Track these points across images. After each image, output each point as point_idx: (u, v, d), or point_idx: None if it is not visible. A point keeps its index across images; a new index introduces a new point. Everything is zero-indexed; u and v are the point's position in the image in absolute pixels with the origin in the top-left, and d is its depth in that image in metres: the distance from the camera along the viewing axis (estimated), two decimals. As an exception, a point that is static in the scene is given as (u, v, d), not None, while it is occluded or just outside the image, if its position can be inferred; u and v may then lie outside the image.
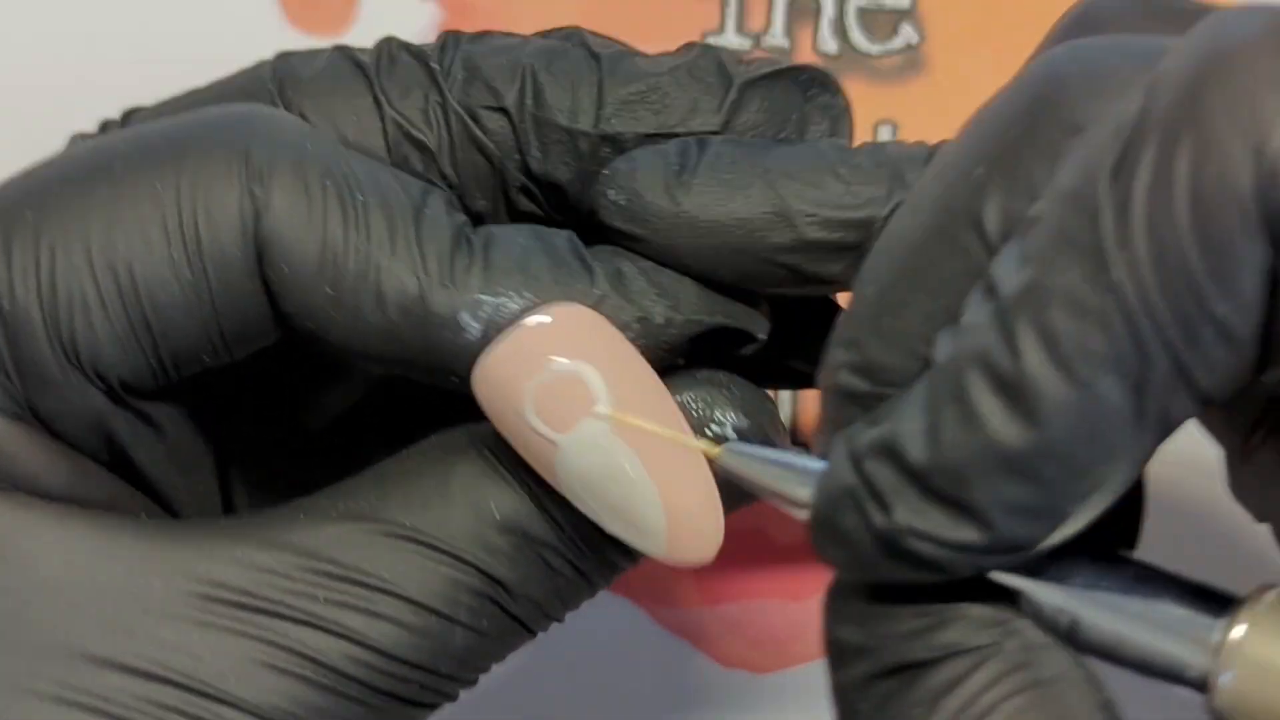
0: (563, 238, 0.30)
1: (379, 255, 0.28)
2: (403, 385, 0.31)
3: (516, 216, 0.32)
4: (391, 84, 0.31)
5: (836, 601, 0.26)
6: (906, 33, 0.44)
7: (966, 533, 0.24)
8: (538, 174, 0.31)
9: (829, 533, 0.25)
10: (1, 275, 0.29)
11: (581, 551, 0.30)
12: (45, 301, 0.28)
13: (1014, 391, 0.23)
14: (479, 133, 0.31)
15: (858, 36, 0.44)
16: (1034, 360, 0.23)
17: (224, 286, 0.29)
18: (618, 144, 0.30)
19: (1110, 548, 0.26)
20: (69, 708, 0.27)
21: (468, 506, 0.29)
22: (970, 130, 0.26)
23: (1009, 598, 0.25)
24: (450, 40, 0.32)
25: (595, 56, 0.31)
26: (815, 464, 0.26)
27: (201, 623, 0.28)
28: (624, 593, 0.43)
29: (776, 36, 0.44)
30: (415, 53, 0.32)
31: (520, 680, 0.43)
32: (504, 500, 0.29)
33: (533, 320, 0.28)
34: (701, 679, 0.43)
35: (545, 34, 0.32)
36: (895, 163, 0.30)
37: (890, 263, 0.25)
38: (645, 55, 0.31)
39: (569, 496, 0.29)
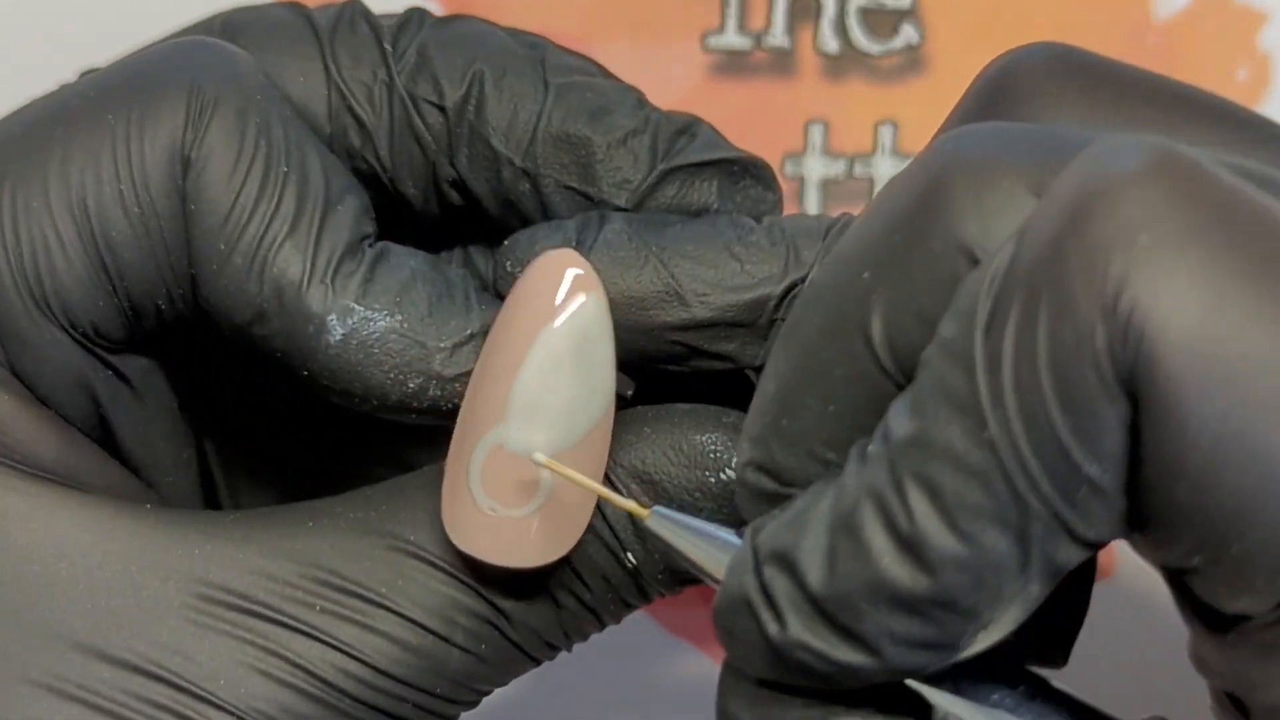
0: (460, 274, 0.30)
1: (278, 230, 0.28)
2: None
3: (445, 208, 0.32)
4: (343, 52, 0.31)
5: (730, 677, 0.26)
6: (907, 32, 0.44)
7: (857, 656, 0.24)
8: (457, 180, 0.31)
9: (726, 629, 0.25)
10: None
11: (586, 585, 0.29)
12: (10, 250, 0.28)
13: (904, 537, 0.23)
14: (419, 122, 0.31)
15: (858, 36, 0.44)
16: (921, 511, 0.23)
17: (170, 221, 0.29)
18: (536, 183, 0.30)
19: (1023, 662, 0.26)
20: (58, 697, 0.27)
21: None
22: (864, 222, 0.25)
23: (902, 695, 0.25)
24: (414, 18, 0.32)
25: (546, 84, 0.31)
26: (735, 541, 0.26)
27: (196, 622, 0.28)
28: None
29: (777, 36, 0.44)
30: (374, 25, 0.31)
31: (520, 680, 0.42)
32: None
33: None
34: (701, 679, 0.43)
35: (515, 33, 0.32)
36: (792, 239, 0.30)
37: (788, 360, 0.26)
38: (600, 87, 0.31)
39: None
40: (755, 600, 0.25)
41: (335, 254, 0.29)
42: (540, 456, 0.28)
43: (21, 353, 0.29)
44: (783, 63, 0.44)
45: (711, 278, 0.29)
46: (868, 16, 0.44)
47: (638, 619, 0.43)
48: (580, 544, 0.29)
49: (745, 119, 0.44)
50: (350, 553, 0.29)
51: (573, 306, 0.28)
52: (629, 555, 0.29)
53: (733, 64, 0.44)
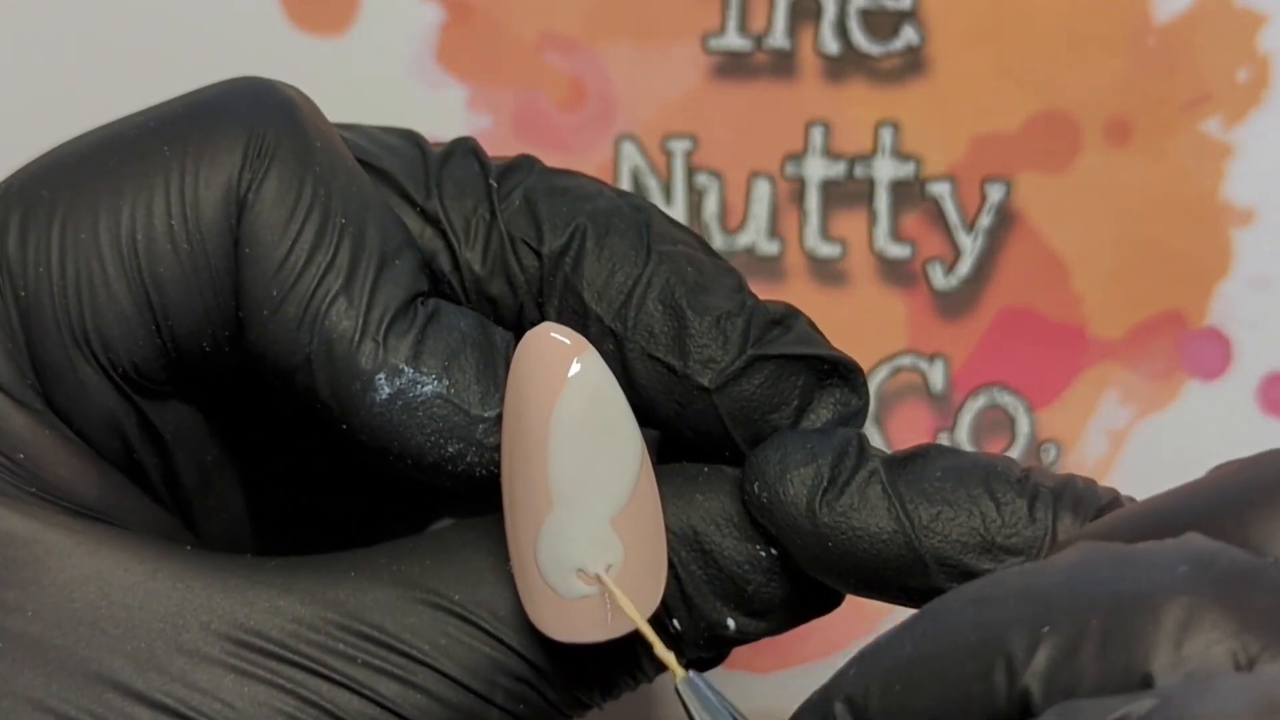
0: (505, 339, 0.29)
1: (331, 283, 0.28)
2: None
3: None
4: (449, 181, 0.31)
5: None
6: (908, 34, 0.44)
7: None
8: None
9: None
10: (17, 260, 0.28)
11: (629, 650, 0.29)
12: (55, 283, 0.28)
13: None
14: (514, 262, 0.30)
15: (859, 37, 0.44)
16: None
17: (215, 260, 0.28)
18: (620, 346, 0.29)
19: None
20: None
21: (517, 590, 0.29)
22: (1075, 568, 0.24)
23: None
24: (524, 164, 0.31)
25: (649, 250, 0.30)
26: None
27: (236, 669, 0.28)
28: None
29: (778, 37, 0.44)
30: (483, 162, 0.31)
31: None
32: None
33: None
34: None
35: (623, 193, 0.31)
36: (1057, 513, 0.28)
37: (930, 638, 0.24)
38: (701, 263, 0.30)
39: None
40: None
41: (388, 312, 0.28)
42: (600, 575, 0.28)
43: (57, 389, 0.28)
44: (783, 64, 0.44)
45: (958, 551, 0.28)
46: (868, 18, 0.44)
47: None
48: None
49: (746, 120, 0.44)
50: (393, 608, 0.28)
51: (574, 372, 0.28)
52: (674, 622, 0.29)
53: (733, 65, 0.44)
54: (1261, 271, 0.44)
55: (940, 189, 0.44)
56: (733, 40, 0.44)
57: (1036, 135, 0.44)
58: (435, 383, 0.28)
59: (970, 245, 0.44)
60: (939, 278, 0.44)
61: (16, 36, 0.44)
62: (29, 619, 0.27)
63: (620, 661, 0.29)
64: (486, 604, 0.29)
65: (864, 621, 0.44)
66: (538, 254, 0.30)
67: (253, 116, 0.29)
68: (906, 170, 0.44)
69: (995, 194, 0.44)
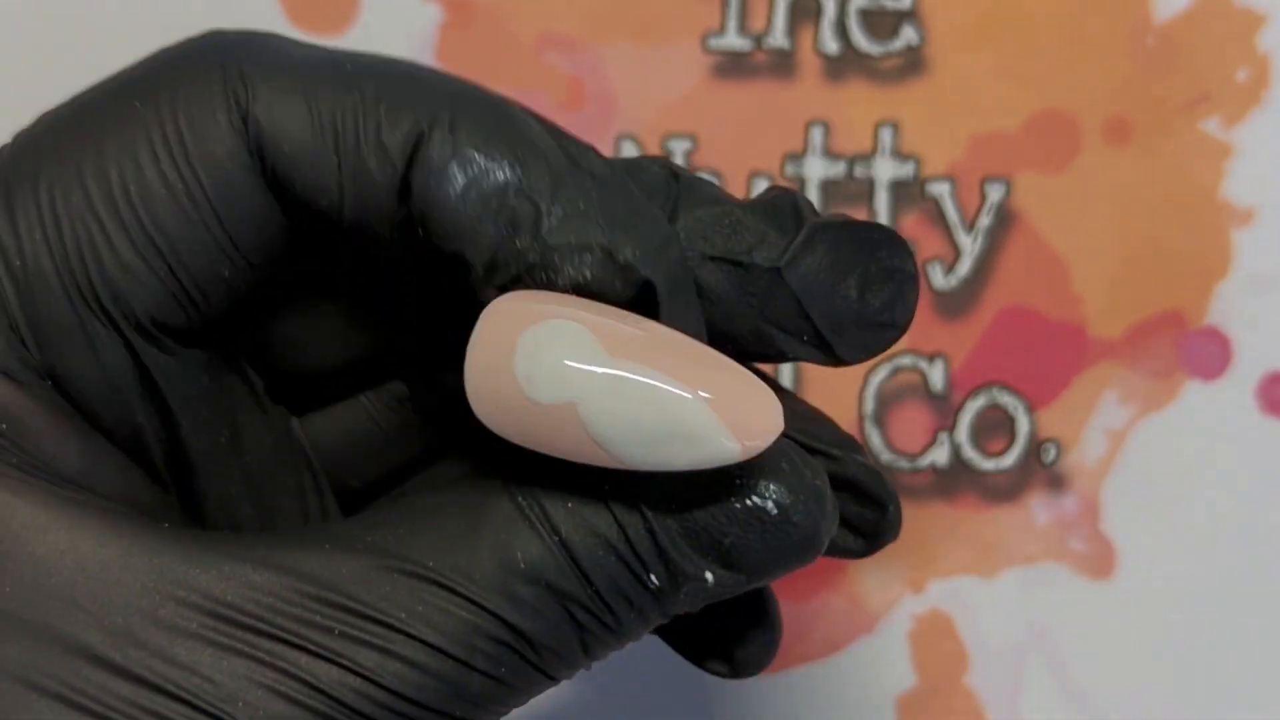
0: (588, 154, 0.29)
1: (374, 110, 0.28)
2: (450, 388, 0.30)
3: None
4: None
5: None
6: (908, 34, 0.44)
7: None
8: None
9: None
10: (8, 235, 0.28)
11: (608, 607, 0.29)
12: (54, 248, 0.28)
13: None
14: None
15: (859, 37, 0.44)
16: None
17: (220, 189, 0.29)
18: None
19: None
20: (69, 708, 0.27)
21: (494, 553, 0.29)
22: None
23: None
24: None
25: (675, 176, 0.31)
26: None
27: (214, 643, 0.28)
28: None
29: (778, 37, 0.44)
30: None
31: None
32: (531, 550, 0.29)
33: (489, 309, 0.28)
34: (702, 679, 0.43)
35: (628, 161, 0.32)
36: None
37: None
38: (714, 182, 0.31)
39: (612, 451, 0.28)
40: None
41: (446, 108, 0.28)
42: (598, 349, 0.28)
43: (64, 353, 0.29)
44: (783, 64, 0.44)
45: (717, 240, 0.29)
46: (868, 18, 0.44)
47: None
48: (601, 565, 0.29)
49: (746, 120, 0.44)
50: (368, 577, 0.28)
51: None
52: (651, 576, 0.29)
53: (733, 65, 0.44)
54: (1261, 271, 0.44)
55: (940, 189, 0.44)
56: (733, 40, 0.44)
57: (1036, 135, 0.44)
58: (509, 171, 0.28)
59: (970, 245, 0.44)
60: (939, 277, 0.44)
61: (15, 35, 0.44)
62: (5, 594, 0.27)
63: (604, 622, 0.29)
64: (461, 568, 0.28)
65: (864, 620, 0.44)
66: None
67: (213, 50, 0.29)
68: (906, 170, 0.44)
69: (995, 194, 0.44)
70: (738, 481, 0.29)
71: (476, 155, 0.28)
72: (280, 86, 0.29)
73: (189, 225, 0.29)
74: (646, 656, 0.43)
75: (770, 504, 0.29)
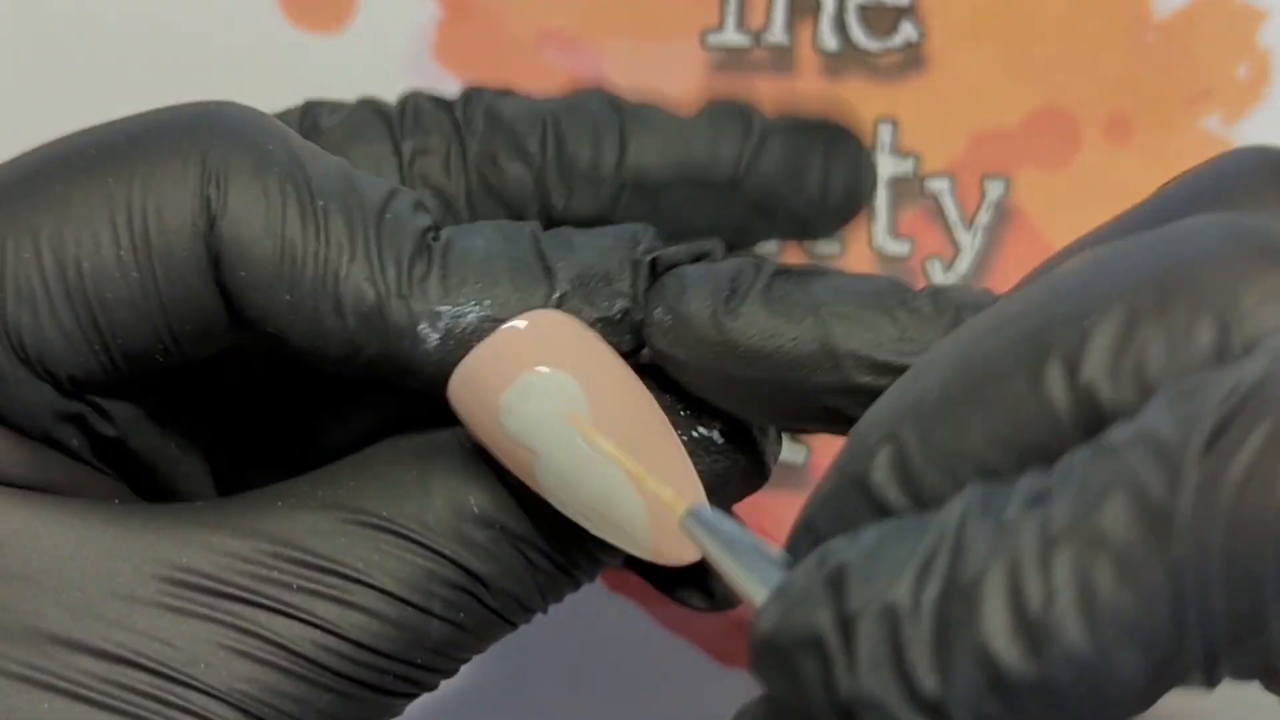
0: (526, 235, 0.29)
1: (337, 262, 0.28)
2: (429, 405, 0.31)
3: None
4: (413, 132, 0.32)
5: (768, 711, 0.24)
6: (907, 30, 0.44)
7: None
8: (561, 218, 0.31)
9: (777, 664, 0.23)
10: None
11: (562, 546, 0.30)
12: None
13: (1029, 619, 0.21)
14: (496, 181, 0.31)
15: (858, 34, 0.44)
16: (1062, 604, 0.20)
17: (173, 288, 0.29)
18: (641, 187, 0.31)
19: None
20: (38, 689, 0.27)
21: (446, 499, 0.29)
22: (1098, 264, 0.23)
23: None
24: (474, 93, 0.32)
25: (616, 107, 0.31)
26: (774, 560, 0.24)
27: (172, 608, 0.28)
28: (624, 592, 0.43)
29: (776, 34, 0.44)
30: (438, 102, 0.32)
31: (520, 680, 0.42)
32: (483, 494, 0.29)
33: (508, 328, 0.28)
34: (701, 679, 0.43)
35: (568, 93, 0.32)
36: (958, 309, 0.28)
37: (958, 373, 0.23)
38: (666, 108, 0.32)
39: (552, 501, 0.28)
40: (831, 644, 0.22)
41: (402, 261, 0.28)
42: (581, 417, 0.28)
43: None
44: (782, 60, 0.44)
45: (870, 340, 0.28)
46: (867, 14, 0.44)
47: (637, 618, 0.43)
48: (548, 503, 0.29)
49: (745, 117, 0.44)
50: (323, 530, 0.29)
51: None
52: None
53: (732, 62, 0.44)
54: (1261, 268, 0.44)
55: (939, 185, 0.44)
56: (731, 37, 0.44)
57: (1036, 132, 0.44)
58: (476, 307, 0.29)
59: (969, 242, 0.44)
60: (938, 275, 0.44)
61: (14, 34, 0.44)
62: None
63: (556, 563, 0.30)
64: (414, 515, 0.29)
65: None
66: (523, 159, 0.31)
67: (197, 141, 0.29)
68: (905, 167, 0.44)
69: (994, 191, 0.44)
70: (683, 414, 0.29)
71: (441, 309, 0.28)
72: (250, 208, 0.28)
73: (134, 313, 0.29)
74: (648, 656, 0.43)
75: (715, 433, 0.29)
